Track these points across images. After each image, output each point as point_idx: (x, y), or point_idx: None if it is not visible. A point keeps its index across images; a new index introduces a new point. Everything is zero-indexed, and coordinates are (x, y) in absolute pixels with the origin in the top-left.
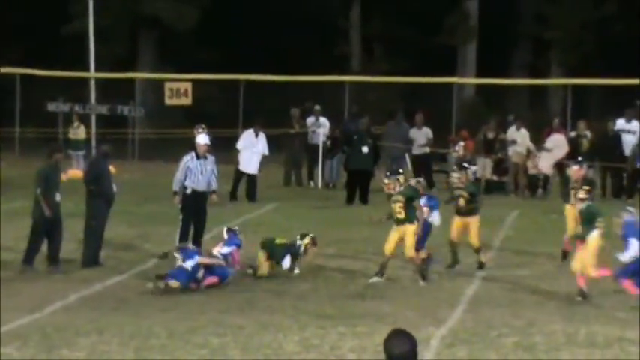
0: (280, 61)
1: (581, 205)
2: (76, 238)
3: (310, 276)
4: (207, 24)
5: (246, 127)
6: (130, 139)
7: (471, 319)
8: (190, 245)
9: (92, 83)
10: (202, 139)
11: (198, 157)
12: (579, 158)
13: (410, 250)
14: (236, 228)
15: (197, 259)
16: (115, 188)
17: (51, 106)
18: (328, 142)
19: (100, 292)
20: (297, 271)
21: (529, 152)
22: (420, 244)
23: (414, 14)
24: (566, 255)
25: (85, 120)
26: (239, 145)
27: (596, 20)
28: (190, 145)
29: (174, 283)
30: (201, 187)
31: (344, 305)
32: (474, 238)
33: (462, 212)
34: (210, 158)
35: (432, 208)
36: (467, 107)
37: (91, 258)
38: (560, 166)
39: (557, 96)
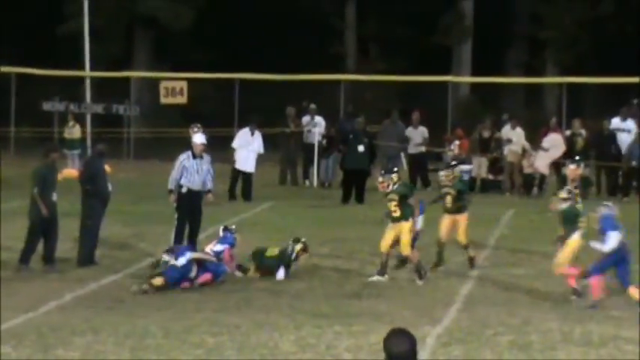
0: (276, 60)
1: (563, 205)
2: (72, 237)
3: (306, 275)
4: (202, 23)
5: (241, 126)
6: (125, 138)
7: (466, 318)
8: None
9: (87, 82)
10: (199, 138)
11: (194, 156)
12: (576, 157)
13: (406, 248)
14: (233, 226)
15: (189, 255)
16: (110, 187)
17: (46, 106)
18: (324, 141)
19: (95, 292)
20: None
21: (524, 151)
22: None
23: (409, 14)
24: None
25: (80, 119)
26: (235, 143)
27: (591, 19)
28: (186, 144)
29: (157, 280)
30: (196, 186)
31: (340, 304)
32: (461, 235)
33: (450, 210)
34: (207, 157)
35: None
36: (462, 106)
37: (86, 257)
38: (556, 166)
39: (552, 95)
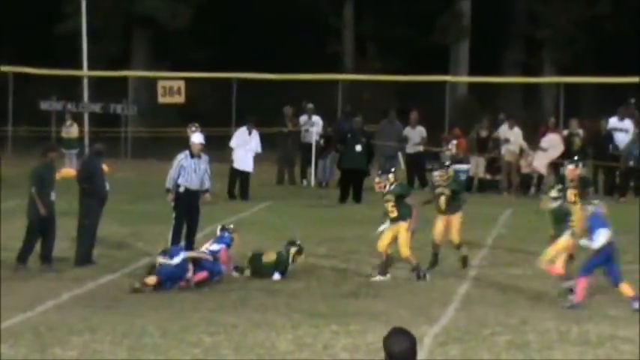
0: (273, 59)
1: (554, 205)
2: (69, 236)
3: (303, 275)
4: (200, 23)
5: (239, 125)
6: (122, 138)
7: (463, 317)
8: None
9: (85, 82)
10: (197, 137)
11: (192, 156)
12: (575, 157)
13: (404, 248)
14: (231, 226)
15: (183, 254)
16: (107, 187)
17: (44, 105)
18: (321, 141)
19: (92, 291)
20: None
21: (522, 151)
22: None
23: (407, 13)
24: None
25: (77, 118)
26: (232, 143)
27: (588, 19)
28: (183, 144)
29: (150, 279)
30: (194, 185)
31: (337, 304)
32: (455, 234)
33: (444, 211)
34: (205, 157)
35: None
36: (460, 106)
37: (83, 256)
38: (555, 166)
39: (549, 94)
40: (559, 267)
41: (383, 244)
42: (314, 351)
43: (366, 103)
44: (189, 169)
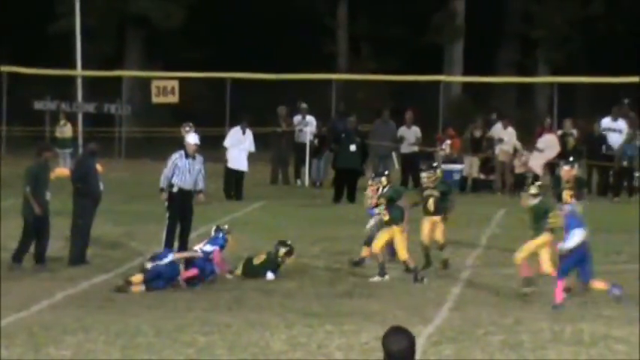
0: (267, 59)
1: (534, 201)
2: (63, 236)
3: (297, 274)
4: (194, 22)
5: (233, 125)
6: (116, 138)
7: (457, 317)
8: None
9: (79, 81)
10: (192, 138)
11: (187, 156)
12: (571, 158)
13: (402, 252)
14: (225, 226)
15: (171, 256)
16: (101, 186)
17: (38, 105)
18: (315, 141)
19: (86, 291)
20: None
21: (516, 151)
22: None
23: (401, 13)
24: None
25: (71, 118)
26: (227, 142)
27: (582, 19)
28: (177, 144)
29: (136, 277)
30: (188, 185)
31: (331, 304)
32: (439, 235)
33: (431, 213)
34: (199, 158)
35: None
36: (454, 106)
37: (77, 256)
38: (551, 166)
39: (544, 94)
40: (545, 268)
41: (378, 244)
42: (308, 351)
43: (360, 103)
44: (183, 169)
